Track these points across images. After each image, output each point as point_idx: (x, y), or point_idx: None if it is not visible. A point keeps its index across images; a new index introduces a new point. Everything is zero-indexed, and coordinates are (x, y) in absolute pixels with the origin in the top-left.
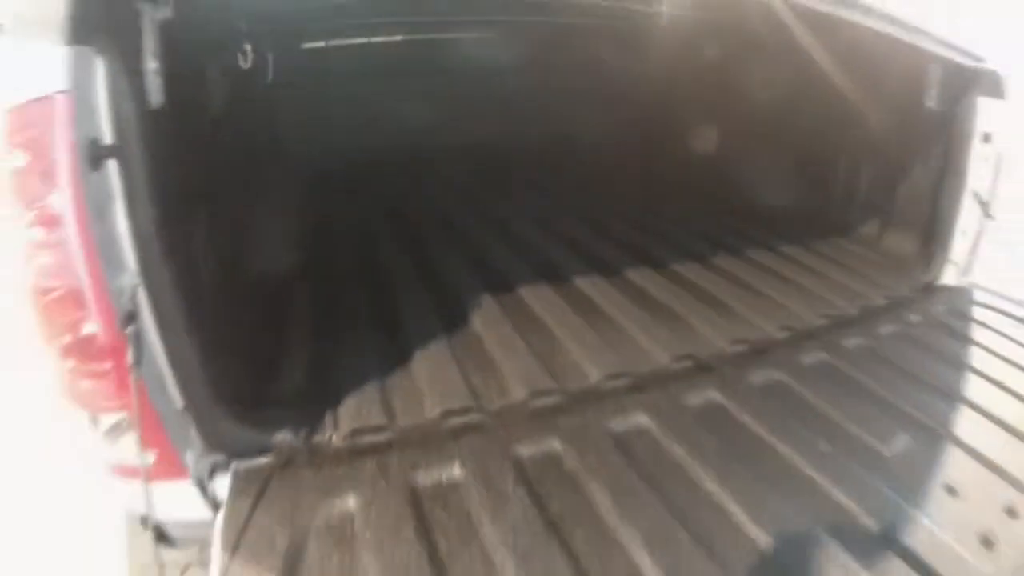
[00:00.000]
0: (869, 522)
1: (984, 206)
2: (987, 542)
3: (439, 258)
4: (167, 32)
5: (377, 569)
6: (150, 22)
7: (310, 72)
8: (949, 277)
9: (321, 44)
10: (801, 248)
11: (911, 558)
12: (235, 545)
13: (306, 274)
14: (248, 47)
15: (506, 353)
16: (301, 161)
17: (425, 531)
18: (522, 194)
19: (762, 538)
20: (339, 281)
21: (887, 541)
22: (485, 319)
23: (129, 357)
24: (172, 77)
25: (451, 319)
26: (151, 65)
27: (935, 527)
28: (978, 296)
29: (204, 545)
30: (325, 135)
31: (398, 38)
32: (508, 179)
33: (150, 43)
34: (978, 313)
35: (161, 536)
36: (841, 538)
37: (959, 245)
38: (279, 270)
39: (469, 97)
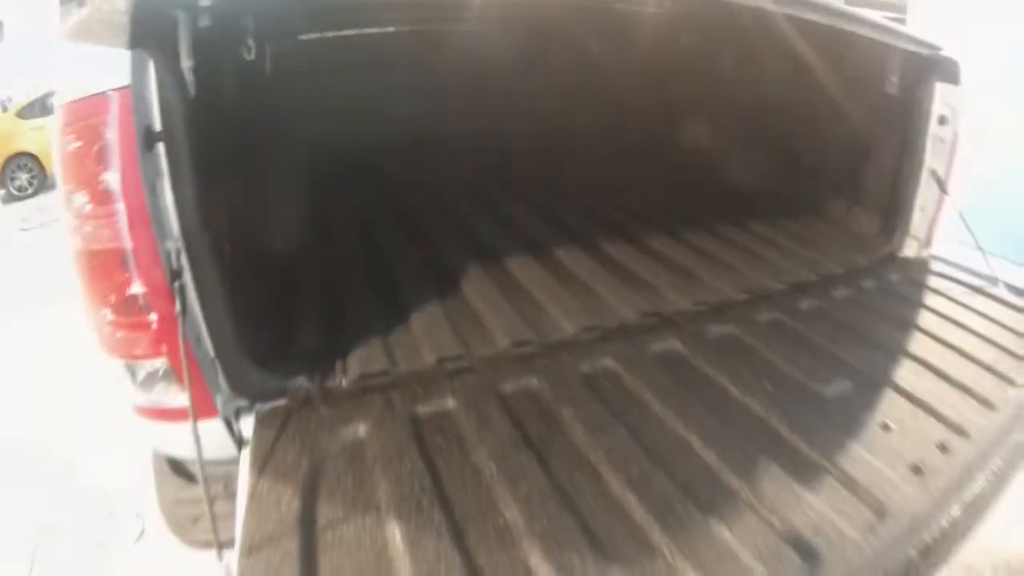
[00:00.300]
0: (810, 451)
1: (941, 184)
2: (917, 470)
3: (432, 233)
4: (197, 34)
5: (386, 483)
6: (185, 27)
7: (307, 63)
8: (910, 251)
9: (317, 35)
10: (768, 225)
11: (847, 481)
12: (262, 467)
13: (314, 247)
14: (251, 41)
15: (492, 311)
16: (303, 147)
17: (425, 451)
18: (510, 176)
19: (713, 461)
20: (343, 253)
21: (826, 467)
22: (474, 284)
23: (177, 307)
24: (200, 72)
25: (443, 284)
26: (187, 63)
27: (870, 457)
28: (934, 266)
29: (229, 480)
30: (323, 122)
31: (390, 30)
32: (496, 163)
33: (185, 45)
34: (932, 281)
35: (185, 473)
36: (784, 464)
37: (919, 220)
38: (291, 243)
39: (459, 87)
